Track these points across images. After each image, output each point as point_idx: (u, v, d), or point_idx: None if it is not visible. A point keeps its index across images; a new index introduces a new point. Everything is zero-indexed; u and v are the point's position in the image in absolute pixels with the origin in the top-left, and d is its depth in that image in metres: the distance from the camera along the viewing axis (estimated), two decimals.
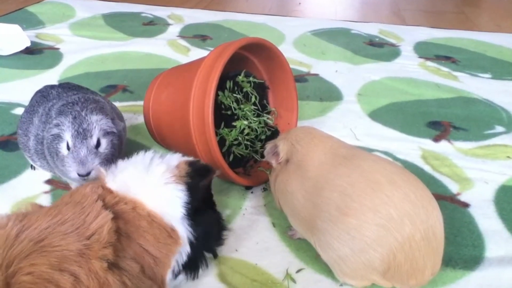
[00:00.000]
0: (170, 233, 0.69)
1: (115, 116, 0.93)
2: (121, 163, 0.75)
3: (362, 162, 0.73)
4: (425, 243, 0.66)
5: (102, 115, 0.85)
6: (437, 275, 0.79)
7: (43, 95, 0.96)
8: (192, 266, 0.74)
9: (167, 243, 0.68)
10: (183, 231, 0.70)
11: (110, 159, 0.85)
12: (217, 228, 0.81)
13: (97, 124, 0.84)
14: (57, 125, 0.83)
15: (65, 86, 0.99)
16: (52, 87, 0.99)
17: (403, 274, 0.68)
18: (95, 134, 0.83)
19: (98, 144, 0.84)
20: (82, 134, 0.82)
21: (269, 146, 0.86)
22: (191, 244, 0.72)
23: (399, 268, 0.67)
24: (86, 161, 0.81)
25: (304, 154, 0.79)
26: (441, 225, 0.69)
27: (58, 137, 0.83)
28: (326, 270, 0.78)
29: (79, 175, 0.82)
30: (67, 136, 0.82)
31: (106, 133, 0.85)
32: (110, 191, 0.69)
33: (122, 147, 0.92)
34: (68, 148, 0.82)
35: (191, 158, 0.78)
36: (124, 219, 0.66)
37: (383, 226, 0.66)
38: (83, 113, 0.84)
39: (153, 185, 0.70)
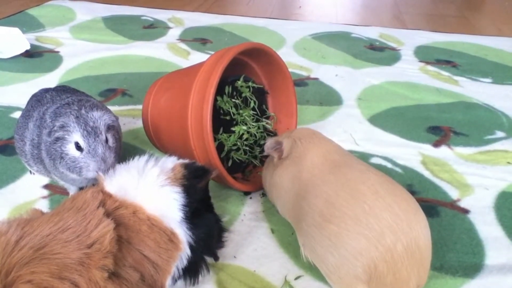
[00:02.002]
0: (171, 237, 0.68)
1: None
2: (118, 167, 0.75)
3: (349, 171, 0.74)
4: (408, 255, 0.66)
5: (101, 110, 0.85)
6: (437, 283, 0.79)
7: (38, 99, 0.95)
8: (192, 271, 0.73)
9: (168, 248, 0.68)
10: (183, 234, 0.70)
11: (118, 154, 0.86)
12: (217, 230, 0.81)
13: (101, 119, 0.83)
14: (62, 127, 0.82)
15: (60, 89, 0.99)
16: (46, 90, 0.98)
17: (387, 285, 0.68)
18: (103, 130, 0.83)
19: (106, 139, 0.84)
20: (92, 132, 0.81)
21: (270, 141, 0.87)
22: (191, 247, 0.71)
23: (381, 278, 0.67)
24: (105, 157, 0.81)
25: (302, 152, 0.82)
26: (427, 238, 0.68)
27: (61, 140, 0.82)
28: (325, 277, 0.78)
29: (98, 172, 0.80)
30: (76, 136, 0.81)
31: (108, 128, 0.85)
32: (110, 195, 0.69)
33: (121, 144, 0.92)
34: (79, 148, 0.81)
35: (186, 161, 0.78)
36: (125, 224, 0.66)
37: (363, 235, 0.66)
38: (83, 111, 0.83)
39: (149, 188, 0.70)
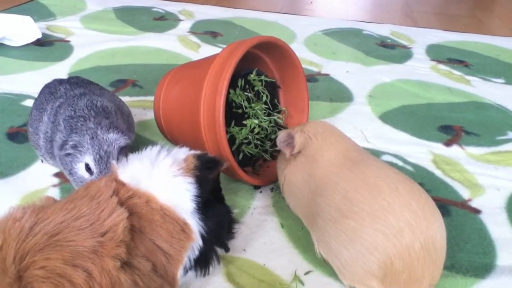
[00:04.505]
0: (183, 227, 0.68)
1: (125, 123, 0.91)
2: (130, 156, 0.75)
3: (367, 168, 0.74)
4: (424, 253, 0.66)
5: (117, 133, 0.84)
6: (448, 282, 0.78)
7: (51, 91, 0.95)
8: (202, 262, 0.73)
9: (180, 239, 0.68)
10: (195, 225, 0.70)
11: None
12: (227, 221, 0.80)
13: (115, 143, 0.83)
14: (75, 147, 0.81)
15: (73, 82, 0.98)
16: (60, 82, 0.98)
17: (401, 282, 0.67)
18: (115, 154, 0.82)
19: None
20: (104, 158, 0.81)
21: (282, 134, 0.85)
22: (203, 238, 0.71)
23: (396, 276, 0.66)
24: None
25: (317, 149, 0.80)
26: (442, 237, 0.68)
27: (72, 155, 0.82)
28: (334, 273, 0.77)
29: None
30: (88, 159, 0.81)
31: (120, 149, 0.84)
32: (123, 184, 0.69)
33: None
34: (88, 170, 0.82)
35: (198, 152, 0.77)
36: (138, 214, 0.66)
37: (381, 231, 0.65)
38: (99, 132, 0.82)
39: (162, 178, 0.70)
